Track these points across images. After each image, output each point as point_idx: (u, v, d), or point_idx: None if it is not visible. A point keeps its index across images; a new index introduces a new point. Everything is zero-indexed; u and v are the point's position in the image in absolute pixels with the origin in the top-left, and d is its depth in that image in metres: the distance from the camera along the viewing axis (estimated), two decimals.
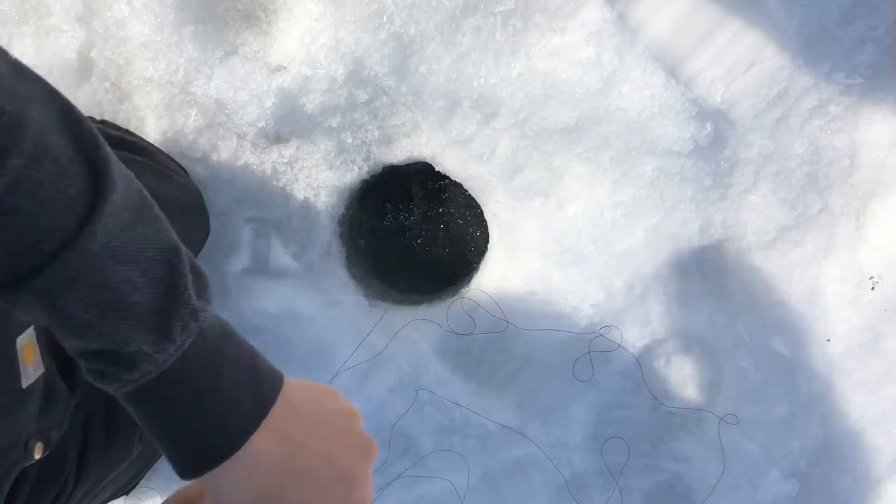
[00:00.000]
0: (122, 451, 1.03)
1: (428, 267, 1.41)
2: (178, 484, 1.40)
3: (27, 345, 0.73)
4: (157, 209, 0.53)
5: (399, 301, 1.36)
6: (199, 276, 0.54)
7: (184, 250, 0.53)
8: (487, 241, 1.32)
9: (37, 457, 0.78)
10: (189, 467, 0.51)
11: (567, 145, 1.15)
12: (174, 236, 0.53)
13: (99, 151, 0.49)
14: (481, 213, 1.32)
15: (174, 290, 0.50)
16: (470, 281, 1.34)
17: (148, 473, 1.28)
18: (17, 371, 0.69)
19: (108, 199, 0.48)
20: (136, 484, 1.25)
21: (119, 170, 0.51)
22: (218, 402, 0.51)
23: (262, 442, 0.51)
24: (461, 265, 1.40)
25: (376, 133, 1.20)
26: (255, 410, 0.52)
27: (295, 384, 0.56)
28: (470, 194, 1.29)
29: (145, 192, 0.53)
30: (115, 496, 1.17)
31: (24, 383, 0.71)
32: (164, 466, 1.30)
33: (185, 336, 0.50)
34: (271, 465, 0.51)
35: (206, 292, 0.54)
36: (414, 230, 1.39)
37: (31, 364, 0.72)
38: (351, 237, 1.36)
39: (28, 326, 0.75)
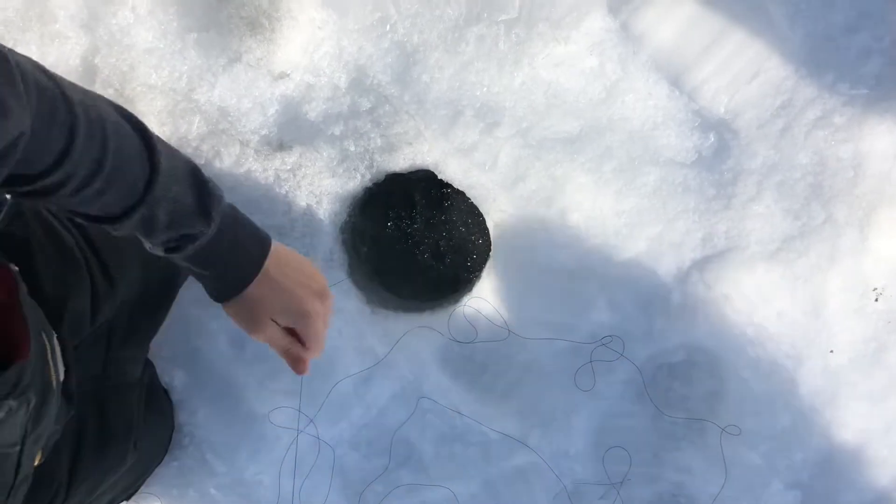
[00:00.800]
0: (116, 460, 1.03)
1: (430, 275, 1.40)
2: (177, 488, 1.39)
3: (56, 342, 0.81)
4: (171, 146, 0.81)
5: (401, 308, 1.36)
6: (210, 179, 0.82)
7: (197, 165, 0.81)
8: (489, 250, 1.32)
9: (35, 464, 0.78)
10: (224, 294, 0.84)
11: (570, 155, 1.14)
12: (189, 158, 0.81)
13: (141, 123, 0.75)
14: (483, 221, 1.32)
15: (205, 190, 0.79)
16: (472, 289, 1.34)
17: (148, 479, 1.28)
18: (52, 365, 0.78)
19: (158, 150, 0.75)
20: (137, 489, 1.25)
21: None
22: (239, 253, 0.82)
23: (259, 279, 0.83)
24: (463, 273, 1.40)
25: (379, 141, 1.19)
26: (259, 259, 0.84)
27: (280, 246, 0.87)
28: (472, 202, 1.29)
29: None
30: (114, 502, 1.17)
31: (56, 380, 0.78)
32: (163, 472, 1.30)
33: (217, 214, 0.79)
34: (262, 293, 0.84)
35: (218, 188, 0.82)
36: (416, 238, 1.39)
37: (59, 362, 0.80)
38: (353, 244, 1.36)
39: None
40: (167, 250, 0.79)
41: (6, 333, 0.69)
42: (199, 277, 0.85)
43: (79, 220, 0.77)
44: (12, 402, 0.64)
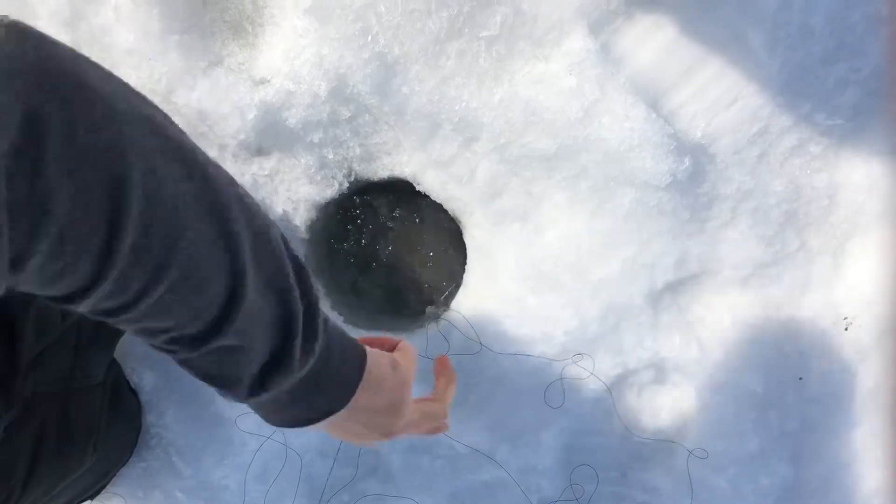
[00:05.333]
0: (75, 462, 1.03)
1: (405, 286, 1.40)
2: (143, 490, 1.38)
3: None
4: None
5: (374, 321, 1.36)
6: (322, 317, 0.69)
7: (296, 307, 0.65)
8: (465, 264, 1.32)
9: None
10: (310, 421, 0.72)
11: (546, 172, 1.15)
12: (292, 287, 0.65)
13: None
14: (460, 234, 1.32)
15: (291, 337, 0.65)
16: (446, 302, 1.34)
17: (114, 479, 1.28)
18: None
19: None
20: (100, 490, 1.24)
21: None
22: (321, 388, 0.70)
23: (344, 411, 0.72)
24: (437, 286, 1.39)
25: (358, 150, 1.20)
26: (351, 385, 0.73)
27: (374, 366, 0.74)
28: (449, 215, 1.29)
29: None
30: (73, 502, 1.16)
31: None
32: (129, 472, 1.30)
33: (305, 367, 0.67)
34: (346, 418, 0.73)
35: (326, 321, 0.70)
36: (392, 249, 1.39)
37: None
38: (328, 253, 1.36)
39: None
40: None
41: None
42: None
43: None
44: None
